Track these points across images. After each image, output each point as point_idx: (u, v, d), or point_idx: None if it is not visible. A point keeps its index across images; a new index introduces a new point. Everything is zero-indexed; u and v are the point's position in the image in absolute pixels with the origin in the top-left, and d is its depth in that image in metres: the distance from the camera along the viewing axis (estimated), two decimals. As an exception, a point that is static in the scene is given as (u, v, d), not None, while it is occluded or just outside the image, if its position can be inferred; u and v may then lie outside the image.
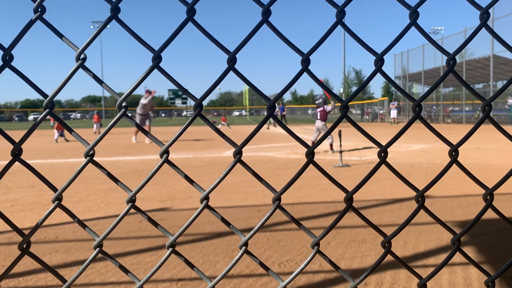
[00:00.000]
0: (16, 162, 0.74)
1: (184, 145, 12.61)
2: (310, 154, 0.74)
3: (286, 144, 12.62)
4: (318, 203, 4.60)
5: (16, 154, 0.70)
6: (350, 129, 19.05)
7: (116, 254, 3.08)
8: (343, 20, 0.74)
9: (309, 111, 59.55)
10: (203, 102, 0.82)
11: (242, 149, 0.78)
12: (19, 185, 5.96)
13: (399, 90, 0.78)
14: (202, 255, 3.02)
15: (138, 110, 14.21)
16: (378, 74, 0.82)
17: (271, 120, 29.60)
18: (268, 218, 0.76)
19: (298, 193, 5.06)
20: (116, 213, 4.27)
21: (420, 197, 0.75)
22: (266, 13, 0.72)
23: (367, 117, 43.83)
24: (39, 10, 0.69)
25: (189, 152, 10.53)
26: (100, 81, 0.73)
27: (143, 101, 14.02)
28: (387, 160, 0.80)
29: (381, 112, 40.73)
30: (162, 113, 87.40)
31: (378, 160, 0.80)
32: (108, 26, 0.74)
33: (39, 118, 0.71)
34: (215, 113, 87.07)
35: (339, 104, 0.79)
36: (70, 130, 0.75)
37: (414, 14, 0.75)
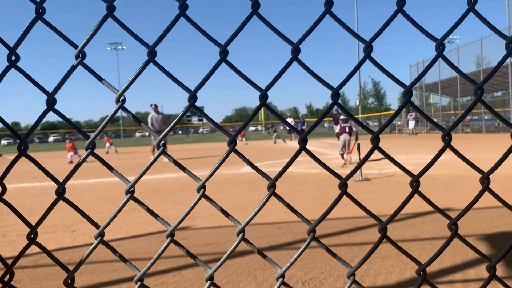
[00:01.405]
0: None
1: (202, 162, 12.68)
2: (343, 185, 0.75)
3: (303, 158, 12.57)
4: (339, 219, 4.56)
5: (60, 193, 0.73)
6: (366, 142, 18.80)
7: (140, 275, 3.10)
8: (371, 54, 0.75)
9: (325, 125, 59.35)
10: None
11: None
12: (42, 207, 6.06)
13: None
14: (225, 275, 3.01)
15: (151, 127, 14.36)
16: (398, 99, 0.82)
17: (285, 135, 29.44)
18: (303, 250, 0.77)
19: (319, 209, 5.03)
20: (138, 233, 4.31)
21: (453, 225, 0.75)
22: (296, 50, 0.74)
23: (384, 129, 43.47)
24: (80, 56, 0.73)
25: (207, 169, 10.58)
26: (139, 121, 0.76)
27: (151, 116, 14.19)
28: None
29: (398, 123, 40.34)
30: (179, 131, 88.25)
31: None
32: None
33: (81, 159, 0.74)
34: (231, 129, 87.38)
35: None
36: (111, 169, 0.78)
37: (440, 47, 0.76)
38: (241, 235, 0.75)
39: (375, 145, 0.76)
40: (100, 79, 0.76)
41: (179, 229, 4.40)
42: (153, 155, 14.60)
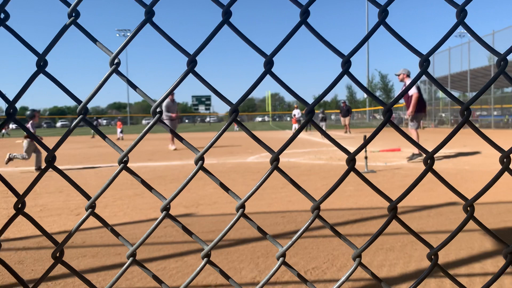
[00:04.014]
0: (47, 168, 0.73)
1: (209, 151, 12.66)
2: (351, 160, 0.71)
3: (309, 149, 12.53)
4: (343, 209, 4.52)
5: (50, 160, 0.69)
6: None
7: (141, 259, 3.09)
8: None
9: (333, 117, 59.51)
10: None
11: (273, 155, 0.75)
12: (48, 190, 6.08)
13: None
14: (227, 262, 2.99)
15: (165, 116, 14.11)
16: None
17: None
18: (307, 227, 0.73)
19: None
20: (141, 219, 4.30)
21: (469, 206, 0.71)
22: (305, 13, 0.69)
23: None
24: (73, 15, 0.68)
25: (212, 158, 10.57)
26: (134, 86, 0.72)
27: (166, 104, 13.86)
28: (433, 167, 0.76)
29: (406, 117, 40.03)
30: (185, 119, 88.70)
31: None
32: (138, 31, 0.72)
33: (72, 124, 0.70)
34: (238, 119, 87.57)
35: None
36: (104, 137, 0.74)
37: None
38: (241, 210, 0.71)
39: (387, 118, 0.72)
40: (94, 40, 0.72)
41: (183, 216, 4.39)
42: (172, 143, 14.36)
